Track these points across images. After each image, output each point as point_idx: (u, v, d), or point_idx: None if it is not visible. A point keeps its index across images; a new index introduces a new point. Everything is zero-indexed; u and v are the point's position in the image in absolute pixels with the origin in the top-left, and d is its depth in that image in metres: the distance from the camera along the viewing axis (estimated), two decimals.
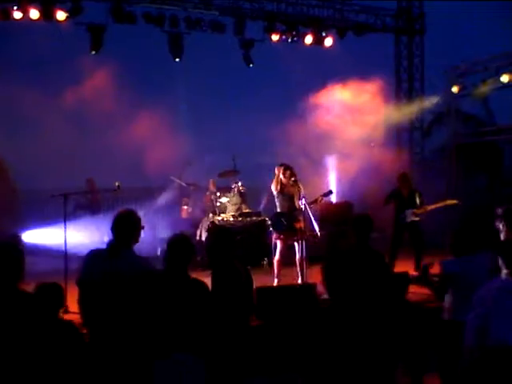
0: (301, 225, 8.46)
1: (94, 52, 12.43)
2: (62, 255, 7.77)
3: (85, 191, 11.39)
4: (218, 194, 11.49)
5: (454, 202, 10.07)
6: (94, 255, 4.56)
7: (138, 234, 4.70)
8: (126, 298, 4.25)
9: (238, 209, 11.43)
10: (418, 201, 9.81)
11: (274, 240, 8.71)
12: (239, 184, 11.51)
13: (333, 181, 13.89)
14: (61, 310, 4.36)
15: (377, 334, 4.51)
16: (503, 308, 4.09)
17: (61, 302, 4.30)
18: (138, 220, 4.65)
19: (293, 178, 8.56)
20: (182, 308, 4.28)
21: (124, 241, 4.50)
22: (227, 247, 4.85)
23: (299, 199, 8.47)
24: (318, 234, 8.49)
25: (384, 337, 3.95)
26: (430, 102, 15.53)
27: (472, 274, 4.95)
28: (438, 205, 9.89)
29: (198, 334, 4.23)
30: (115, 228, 4.53)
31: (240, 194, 11.56)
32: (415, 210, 9.73)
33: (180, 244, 4.50)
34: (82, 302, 4.45)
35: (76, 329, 4.27)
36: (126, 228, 4.53)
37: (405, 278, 7.55)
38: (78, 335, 4.21)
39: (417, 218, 9.75)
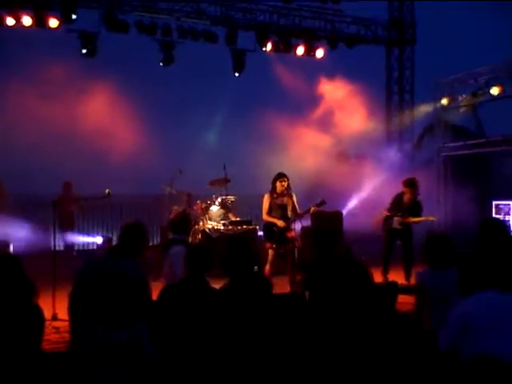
0: (292, 234, 8.51)
1: (84, 51, 12.51)
2: None
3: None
4: (209, 202, 11.46)
5: (433, 218, 10.01)
6: (94, 261, 4.73)
7: (143, 247, 4.87)
8: (122, 301, 4.37)
9: (224, 218, 11.40)
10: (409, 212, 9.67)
11: (266, 249, 8.72)
12: (223, 197, 11.50)
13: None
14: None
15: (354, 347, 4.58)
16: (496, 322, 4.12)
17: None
18: (145, 233, 4.78)
19: (286, 187, 8.62)
20: (200, 316, 4.39)
21: (127, 250, 4.63)
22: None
23: (292, 210, 8.55)
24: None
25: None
26: (420, 111, 15.69)
27: (443, 287, 4.97)
28: (420, 219, 9.71)
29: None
30: (122, 237, 4.67)
31: (224, 205, 11.51)
32: (399, 219, 9.60)
33: (199, 253, 4.67)
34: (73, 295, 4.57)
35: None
36: (131, 238, 4.66)
37: (393, 288, 7.57)
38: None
39: (399, 227, 9.59)
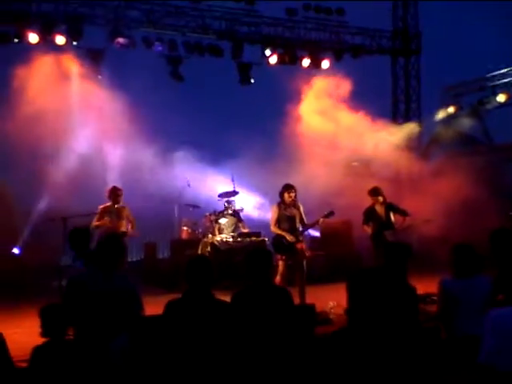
0: (302, 245, 8.54)
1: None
2: None
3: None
4: (217, 214, 11.52)
5: (429, 218, 9.96)
6: (81, 279, 4.72)
7: (124, 258, 4.86)
8: (121, 316, 4.48)
9: (235, 229, 11.45)
10: (392, 218, 9.61)
11: (276, 261, 8.73)
12: (231, 205, 11.55)
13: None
14: None
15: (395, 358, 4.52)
16: None
17: None
18: (122, 245, 4.82)
19: (294, 197, 8.66)
20: (206, 329, 4.30)
21: (112, 263, 4.65)
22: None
23: (300, 221, 8.59)
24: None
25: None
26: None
27: (471, 296, 4.97)
28: (415, 222, 9.75)
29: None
30: (101, 251, 4.69)
31: (234, 213, 11.57)
32: (393, 231, 9.51)
33: (200, 265, 4.54)
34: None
35: None
36: (112, 252, 4.67)
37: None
38: None
39: (394, 239, 9.37)
